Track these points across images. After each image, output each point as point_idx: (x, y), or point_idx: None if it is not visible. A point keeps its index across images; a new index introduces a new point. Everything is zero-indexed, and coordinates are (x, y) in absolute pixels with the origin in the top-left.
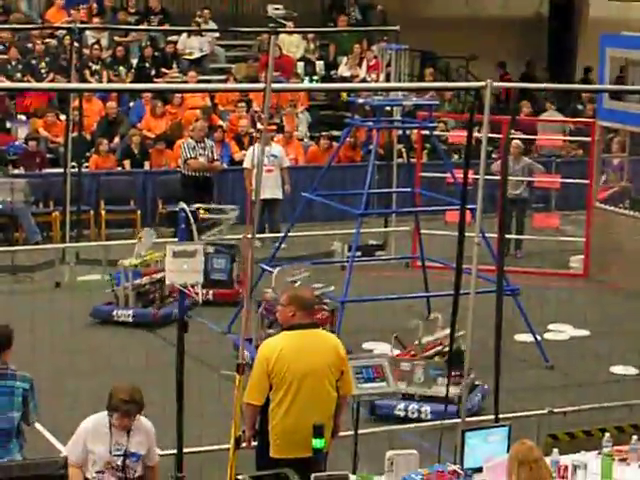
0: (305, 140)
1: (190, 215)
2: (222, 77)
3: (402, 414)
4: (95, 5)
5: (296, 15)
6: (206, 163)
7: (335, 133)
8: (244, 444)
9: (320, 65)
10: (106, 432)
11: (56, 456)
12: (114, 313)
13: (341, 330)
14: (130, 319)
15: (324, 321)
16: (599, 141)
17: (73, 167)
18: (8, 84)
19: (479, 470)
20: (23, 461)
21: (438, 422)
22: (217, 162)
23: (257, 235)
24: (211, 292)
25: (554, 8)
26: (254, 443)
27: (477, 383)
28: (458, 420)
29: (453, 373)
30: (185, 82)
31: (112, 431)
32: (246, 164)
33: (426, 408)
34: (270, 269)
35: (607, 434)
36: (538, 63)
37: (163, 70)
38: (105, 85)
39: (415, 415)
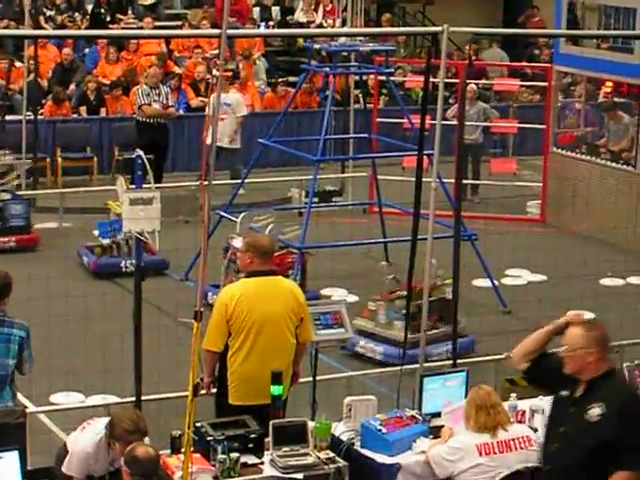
0: (262, 86)
1: (147, 162)
2: (178, 23)
3: (360, 351)
4: None
5: None
6: (160, 109)
7: (292, 79)
8: (203, 391)
9: (276, 10)
10: (105, 454)
11: (16, 407)
12: (122, 264)
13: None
14: None
15: (290, 265)
16: (556, 86)
17: (29, 114)
18: None
19: (437, 415)
20: None
21: (397, 367)
22: (171, 108)
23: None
24: (13, 239)
25: None
26: (213, 390)
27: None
28: (416, 365)
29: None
30: (141, 28)
31: (110, 451)
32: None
33: (379, 348)
34: (228, 216)
35: None
36: (494, 5)
37: (118, 16)
38: (60, 32)
39: (368, 354)
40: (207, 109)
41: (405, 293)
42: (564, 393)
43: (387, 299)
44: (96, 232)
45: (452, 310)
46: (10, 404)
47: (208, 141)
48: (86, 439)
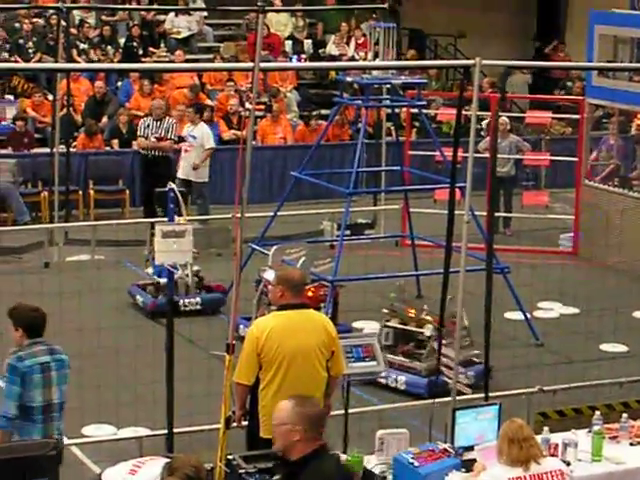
0: (294, 119)
1: (179, 195)
2: (210, 56)
3: (383, 381)
4: None
5: None
6: (154, 142)
7: (324, 112)
8: (234, 424)
9: (308, 43)
10: None
11: (49, 439)
12: (180, 302)
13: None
14: (198, 307)
15: (323, 298)
16: (588, 119)
17: (61, 147)
18: None
19: (470, 449)
20: (16, 442)
21: (429, 401)
22: (168, 141)
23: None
24: None
25: None
26: (244, 423)
27: (475, 360)
28: (448, 399)
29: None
30: (172, 61)
31: None
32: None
33: (402, 378)
34: (260, 248)
35: (597, 412)
36: (526, 40)
37: (151, 49)
38: (93, 65)
39: (392, 384)
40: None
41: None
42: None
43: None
44: (150, 270)
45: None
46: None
47: (179, 174)
48: None
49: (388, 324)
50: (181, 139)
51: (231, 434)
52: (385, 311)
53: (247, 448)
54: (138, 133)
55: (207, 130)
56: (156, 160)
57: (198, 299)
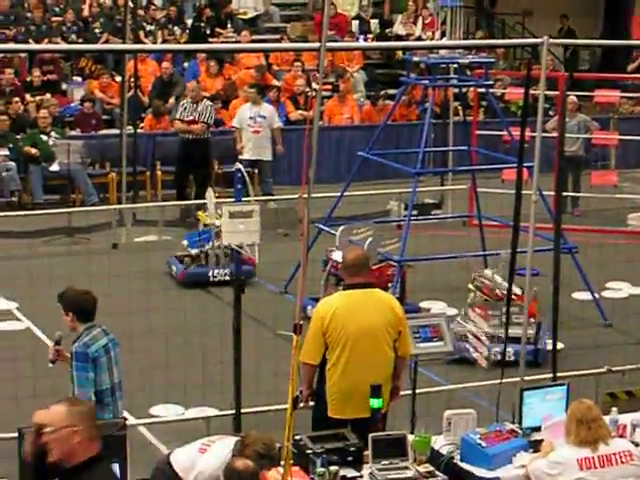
0: (361, 99)
1: (246, 175)
2: (276, 36)
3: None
4: None
5: None
6: (184, 125)
7: (390, 92)
8: (302, 404)
9: (375, 23)
10: None
11: (116, 418)
12: (210, 274)
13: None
14: (227, 277)
15: (390, 278)
16: None
17: (129, 128)
18: (64, 46)
19: (537, 429)
20: None
21: (496, 381)
22: (198, 125)
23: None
24: None
25: None
26: (311, 403)
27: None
28: (517, 379)
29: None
30: (239, 42)
31: None
32: (234, 123)
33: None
34: (327, 228)
35: None
36: (594, 18)
37: (217, 30)
38: (160, 46)
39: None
40: (234, 120)
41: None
42: None
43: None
44: (185, 242)
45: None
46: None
47: (245, 156)
48: (213, 461)
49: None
50: (218, 122)
51: (298, 414)
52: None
53: (313, 428)
54: (175, 115)
55: (273, 109)
56: (194, 143)
57: (227, 270)
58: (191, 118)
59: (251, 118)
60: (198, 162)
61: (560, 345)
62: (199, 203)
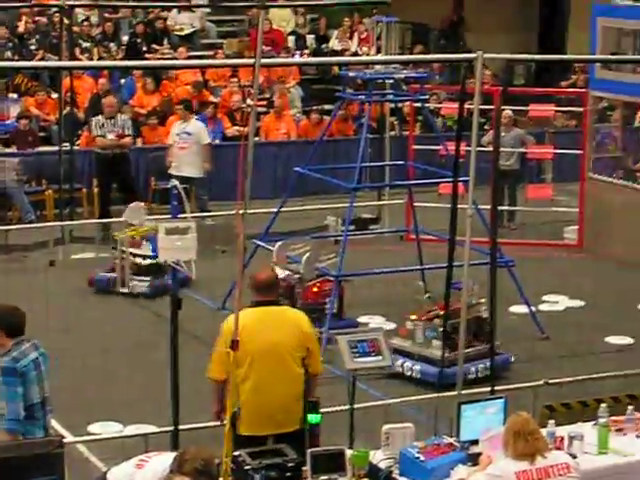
0: (297, 115)
1: (182, 192)
2: (213, 52)
3: (399, 370)
4: None
5: None
6: (114, 140)
7: (327, 107)
8: (217, 421)
9: (311, 39)
10: None
11: (53, 436)
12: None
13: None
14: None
15: (328, 293)
16: (592, 111)
17: (65, 145)
18: None
19: (475, 442)
20: (20, 441)
21: (434, 395)
22: (127, 138)
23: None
24: None
25: None
26: (225, 421)
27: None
28: (454, 393)
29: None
30: (176, 58)
31: None
32: (169, 139)
33: (417, 367)
34: (264, 244)
35: (603, 405)
36: (529, 33)
37: (154, 46)
38: (95, 63)
39: (407, 373)
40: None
41: (441, 312)
42: None
43: (425, 318)
44: None
45: (486, 328)
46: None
47: (173, 171)
48: (150, 477)
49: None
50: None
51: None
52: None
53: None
54: (93, 133)
55: (201, 126)
56: (116, 159)
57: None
58: (116, 133)
59: (177, 135)
60: (125, 176)
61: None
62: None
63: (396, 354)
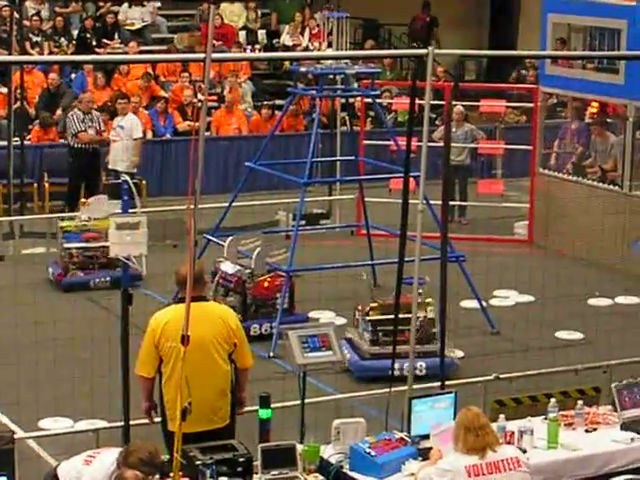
0: (248, 110)
1: (133, 187)
2: (164, 47)
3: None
4: None
5: None
6: (95, 135)
7: (278, 102)
8: (145, 417)
9: (262, 34)
10: None
11: (3, 431)
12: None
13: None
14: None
15: (278, 288)
16: (542, 107)
17: (15, 140)
18: None
19: (426, 437)
20: None
21: (385, 390)
22: (105, 134)
23: None
24: None
25: None
26: (158, 419)
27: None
28: (405, 387)
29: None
30: (126, 53)
31: None
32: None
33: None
34: (215, 239)
35: (553, 399)
36: (480, 29)
37: (104, 41)
38: (45, 57)
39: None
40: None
41: (373, 305)
42: None
43: (362, 312)
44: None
45: (432, 328)
46: None
47: (109, 166)
48: (98, 471)
49: (371, 317)
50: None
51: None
52: (359, 308)
53: (165, 442)
54: (74, 128)
55: (136, 120)
56: (94, 153)
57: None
58: (95, 128)
59: (114, 128)
60: (92, 173)
61: (460, 353)
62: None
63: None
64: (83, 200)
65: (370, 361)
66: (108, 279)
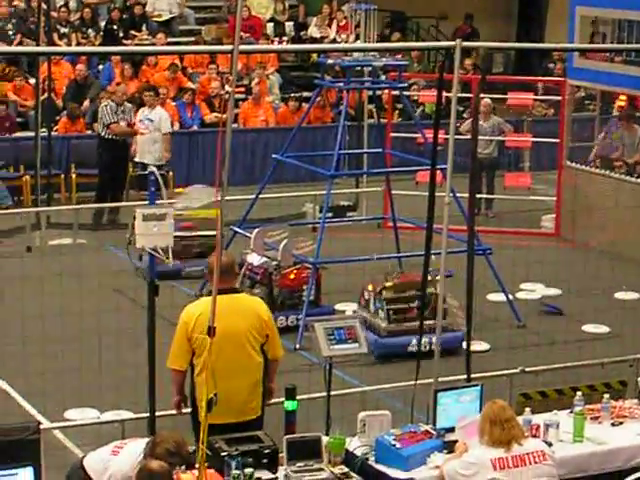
0: (275, 102)
1: (160, 178)
2: (191, 39)
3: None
4: None
5: None
6: (127, 127)
7: (305, 94)
8: (175, 410)
9: (290, 26)
10: None
11: (29, 422)
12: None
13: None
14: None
15: (305, 280)
16: (569, 100)
17: (43, 131)
18: None
19: (451, 430)
20: None
21: (411, 382)
22: (136, 126)
23: None
24: None
25: None
26: (187, 410)
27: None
28: (430, 380)
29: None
30: (154, 44)
31: None
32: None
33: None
34: (242, 231)
35: (579, 393)
36: (508, 21)
37: (132, 32)
38: (73, 48)
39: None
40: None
41: (390, 284)
42: None
43: (378, 290)
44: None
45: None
46: None
47: (136, 158)
48: (125, 462)
49: (386, 296)
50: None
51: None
52: (369, 288)
53: (194, 434)
54: (106, 119)
55: (165, 115)
56: (125, 145)
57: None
58: (127, 120)
59: (141, 121)
60: (121, 165)
61: (486, 346)
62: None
63: None
64: (179, 189)
65: (387, 339)
66: (201, 268)
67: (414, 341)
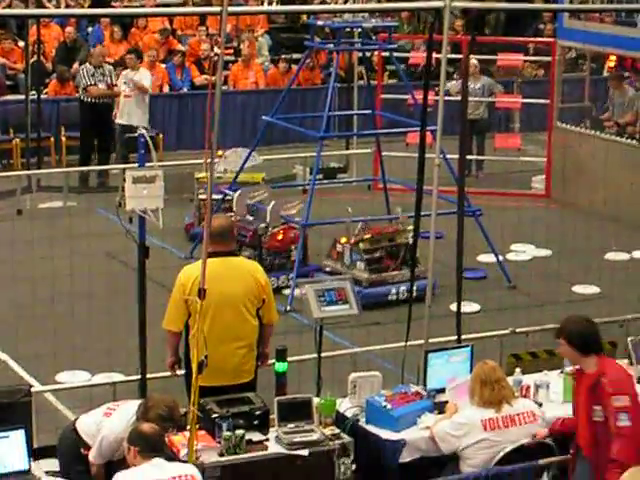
0: (265, 63)
1: (150, 140)
2: (180, 1)
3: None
4: None
5: None
6: (105, 89)
7: (295, 56)
8: (169, 372)
9: None
10: None
11: (21, 384)
12: None
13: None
14: None
15: (293, 240)
16: (559, 61)
17: (32, 94)
18: None
19: (442, 391)
20: None
21: (401, 344)
22: (116, 87)
23: None
24: None
25: None
26: (181, 371)
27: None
28: (421, 341)
29: None
30: (143, 6)
31: None
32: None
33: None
34: (228, 192)
35: None
36: None
37: None
38: (63, 10)
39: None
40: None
41: (368, 236)
42: None
43: (352, 242)
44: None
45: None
46: None
47: (117, 120)
48: (117, 424)
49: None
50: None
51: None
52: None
53: (187, 396)
54: (84, 82)
55: (147, 74)
56: (106, 107)
57: None
58: (106, 82)
59: (125, 83)
60: (104, 127)
61: (476, 307)
62: (106, 169)
63: (325, 274)
64: (220, 152)
65: (370, 289)
66: None
67: (393, 290)
